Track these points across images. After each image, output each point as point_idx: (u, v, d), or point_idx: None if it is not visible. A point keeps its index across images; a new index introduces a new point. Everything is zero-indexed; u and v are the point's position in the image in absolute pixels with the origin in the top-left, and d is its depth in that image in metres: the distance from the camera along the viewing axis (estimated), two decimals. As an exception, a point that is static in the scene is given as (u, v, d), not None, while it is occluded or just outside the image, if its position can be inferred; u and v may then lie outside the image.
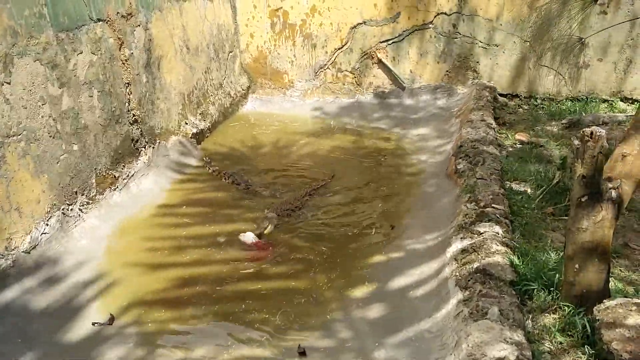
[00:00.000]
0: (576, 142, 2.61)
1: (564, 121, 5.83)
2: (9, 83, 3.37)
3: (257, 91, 7.45)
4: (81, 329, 3.17)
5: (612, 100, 6.34)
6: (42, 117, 3.68)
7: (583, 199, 2.63)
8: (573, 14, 4.58)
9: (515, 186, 4.35)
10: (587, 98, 6.41)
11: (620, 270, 3.27)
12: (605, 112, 5.98)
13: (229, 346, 3.04)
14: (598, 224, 2.62)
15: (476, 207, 3.82)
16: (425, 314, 3.17)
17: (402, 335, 3.06)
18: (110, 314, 3.24)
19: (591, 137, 2.52)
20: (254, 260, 3.84)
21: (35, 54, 3.60)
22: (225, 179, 5.04)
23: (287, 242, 4.07)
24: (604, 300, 2.66)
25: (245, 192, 4.85)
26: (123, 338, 3.10)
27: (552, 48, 5.10)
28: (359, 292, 3.48)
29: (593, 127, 2.55)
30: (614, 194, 2.59)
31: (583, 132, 2.55)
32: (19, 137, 3.47)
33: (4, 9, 3.33)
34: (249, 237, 4.06)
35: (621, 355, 2.35)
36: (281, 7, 7.01)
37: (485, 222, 3.60)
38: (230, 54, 7.01)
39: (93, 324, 3.18)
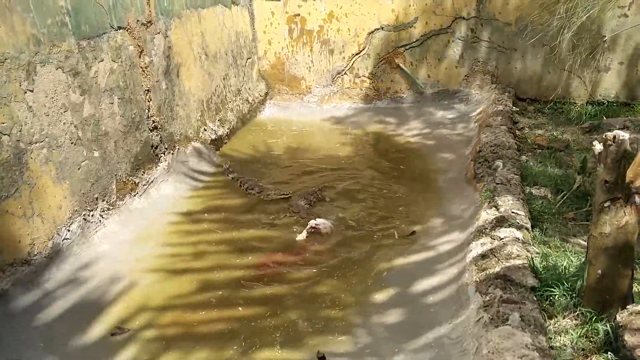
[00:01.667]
0: (598, 146, 2.57)
1: (584, 125, 5.77)
2: (32, 91, 3.43)
3: (275, 97, 7.49)
4: (101, 333, 3.19)
5: (634, 104, 6.26)
6: (63, 124, 3.73)
7: (605, 204, 2.60)
8: (593, 17, 4.54)
9: (535, 191, 4.31)
10: (607, 102, 6.34)
11: (644, 276, 3.21)
12: (627, 116, 5.89)
13: (248, 350, 3.04)
14: (621, 229, 2.58)
15: (496, 212, 3.79)
16: (444, 319, 3.14)
17: (421, 341, 3.03)
18: (117, 327, 3.24)
19: (614, 141, 2.49)
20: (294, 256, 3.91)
21: (57, 62, 3.65)
22: (241, 185, 5.04)
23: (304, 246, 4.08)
24: (628, 306, 2.62)
25: (259, 198, 4.84)
26: (141, 342, 3.12)
27: (573, 50, 5.05)
28: (378, 296, 3.46)
29: (615, 130, 2.52)
30: (637, 198, 2.55)
31: (605, 135, 2.52)
32: (42, 143, 3.53)
33: (27, 18, 3.39)
34: (326, 223, 4.13)
35: (646, 362, 2.31)
36: (299, 14, 7.05)
37: (505, 227, 3.57)
38: (249, 60, 7.05)
39: (111, 334, 3.19)
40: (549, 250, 3.47)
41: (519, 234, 3.47)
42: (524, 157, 4.97)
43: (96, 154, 4.08)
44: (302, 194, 4.80)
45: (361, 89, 7.25)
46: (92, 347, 3.08)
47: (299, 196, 4.75)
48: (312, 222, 4.11)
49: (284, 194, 4.83)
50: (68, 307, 3.36)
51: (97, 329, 3.21)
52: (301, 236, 4.12)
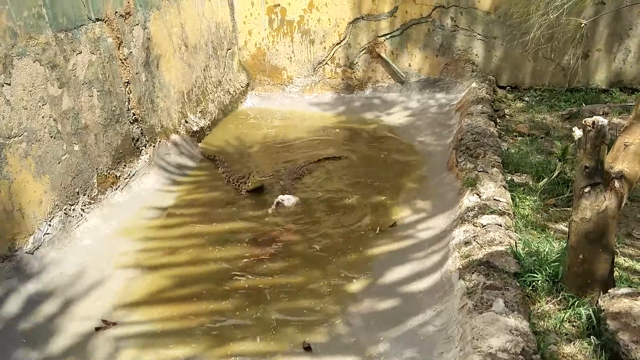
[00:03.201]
0: (578, 132, 2.60)
1: (563, 112, 5.83)
2: (9, 84, 3.37)
3: (256, 88, 7.45)
4: (84, 327, 3.16)
5: (612, 90, 6.34)
6: (42, 117, 3.67)
7: (586, 189, 2.63)
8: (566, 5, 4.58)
9: (516, 178, 4.35)
10: (586, 88, 6.41)
11: (625, 260, 3.26)
12: (605, 102, 5.97)
13: (232, 343, 3.04)
14: (601, 214, 2.61)
15: (478, 200, 3.82)
16: (428, 307, 3.17)
17: (406, 328, 3.05)
18: (103, 320, 3.22)
19: (593, 127, 2.51)
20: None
21: (34, 55, 3.59)
22: (228, 179, 5.00)
23: (287, 238, 4.08)
24: (609, 290, 2.66)
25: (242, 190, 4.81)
26: (124, 338, 3.10)
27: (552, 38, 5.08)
28: (361, 285, 3.48)
29: (594, 116, 2.55)
30: (616, 183, 2.59)
31: (585, 121, 2.55)
32: (20, 138, 3.47)
33: (2, 10, 3.32)
34: (291, 199, 4.49)
35: (627, 346, 2.35)
36: (279, 4, 7.00)
37: (487, 214, 3.60)
38: (229, 51, 7.00)
39: (96, 329, 3.16)
40: (531, 236, 3.51)
41: (501, 221, 3.51)
42: (504, 145, 5.02)
43: (76, 147, 4.03)
44: (290, 170, 5.08)
45: (342, 79, 7.24)
46: (74, 342, 3.06)
47: (287, 172, 5.04)
48: (278, 198, 4.51)
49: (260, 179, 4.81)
50: (50, 302, 3.33)
51: (80, 324, 3.18)
52: (271, 209, 4.46)
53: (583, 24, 4.88)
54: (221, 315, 3.27)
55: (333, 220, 4.27)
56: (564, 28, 5.81)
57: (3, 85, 3.32)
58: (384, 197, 4.57)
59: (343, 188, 4.80)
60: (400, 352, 2.87)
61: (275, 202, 4.50)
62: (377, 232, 4.07)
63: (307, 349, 2.96)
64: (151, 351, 2.99)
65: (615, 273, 2.90)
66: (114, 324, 3.19)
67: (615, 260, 2.91)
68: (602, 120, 2.52)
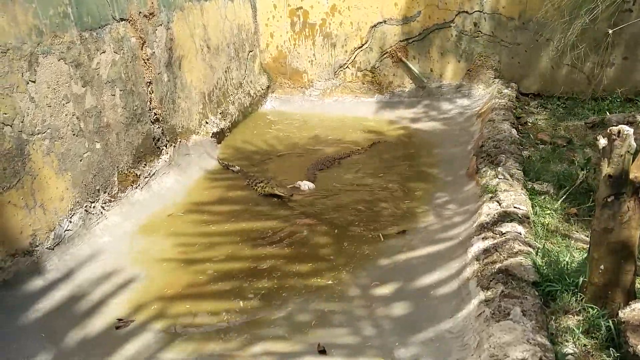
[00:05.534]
0: (602, 141, 2.56)
1: (587, 121, 5.74)
2: (34, 82, 3.42)
3: (277, 91, 7.47)
4: (102, 324, 3.19)
5: (638, 100, 6.23)
6: (65, 115, 3.72)
7: (609, 199, 2.59)
8: (597, 12, 4.52)
9: (537, 186, 4.30)
10: (611, 97, 6.31)
11: (647, 272, 3.20)
12: (631, 112, 5.87)
13: (252, 341, 3.04)
14: (624, 224, 2.57)
15: (498, 207, 3.78)
16: (445, 314, 3.14)
17: (422, 335, 3.03)
18: (119, 319, 3.24)
19: (618, 136, 2.47)
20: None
21: (59, 53, 3.64)
22: (248, 181, 5.03)
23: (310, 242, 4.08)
24: (630, 302, 2.61)
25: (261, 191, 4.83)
26: (142, 333, 3.12)
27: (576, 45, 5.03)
28: (380, 290, 3.46)
29: (620, 125, 2.50)
30: (641, 194, 2.54)
31: (610, 130, 2.50)
32: (44, 135, 3.52)
33: (29, 9, 3.38)
34: (307, 184, 4.85)
35: (648, 358, 2.31)
36: (301, 7, 7.02)
37: (507, 222, 3.56)
38: (250, 53, 7.03)
39: (116, 327, 3.18)
40: (551, 245, 3.46)
41: (521, 229, 3.46)
42: (526, 153, 4.96)
43: (98, 145, 4.07)
44: (316, 161, 5.38)
45: (363, 83, 7.23)
46: (93, 338, 3.09)
47: (313, 164, 5.32)
48: (296, 183, 4.87)
49: (280, 193, 4.74)
50: (69, 298, 3.37)
51: (98, 320, 3.22)
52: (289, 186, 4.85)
53: (609, 33, 4.81)
54: (242, 314, 3.28)
55: (351, 226, 4.25)
56: (590, 35, 5.75)
57: (28, 83, 3.37)
58: (402, 203, 4.55)
59: (359, 193, 4.78)
60: (415, 359, 2.85)
61: (293, 184, 4.85)
62: (381, 239, 4.05)
63: (322, 352, 2.95)
64: (168, 347, 3.01)
65: (637, 285, 2.84)
66: (131, 321, 3.21)
67: (638, 271, 2.86)
68: (627, 129, 2.48)
